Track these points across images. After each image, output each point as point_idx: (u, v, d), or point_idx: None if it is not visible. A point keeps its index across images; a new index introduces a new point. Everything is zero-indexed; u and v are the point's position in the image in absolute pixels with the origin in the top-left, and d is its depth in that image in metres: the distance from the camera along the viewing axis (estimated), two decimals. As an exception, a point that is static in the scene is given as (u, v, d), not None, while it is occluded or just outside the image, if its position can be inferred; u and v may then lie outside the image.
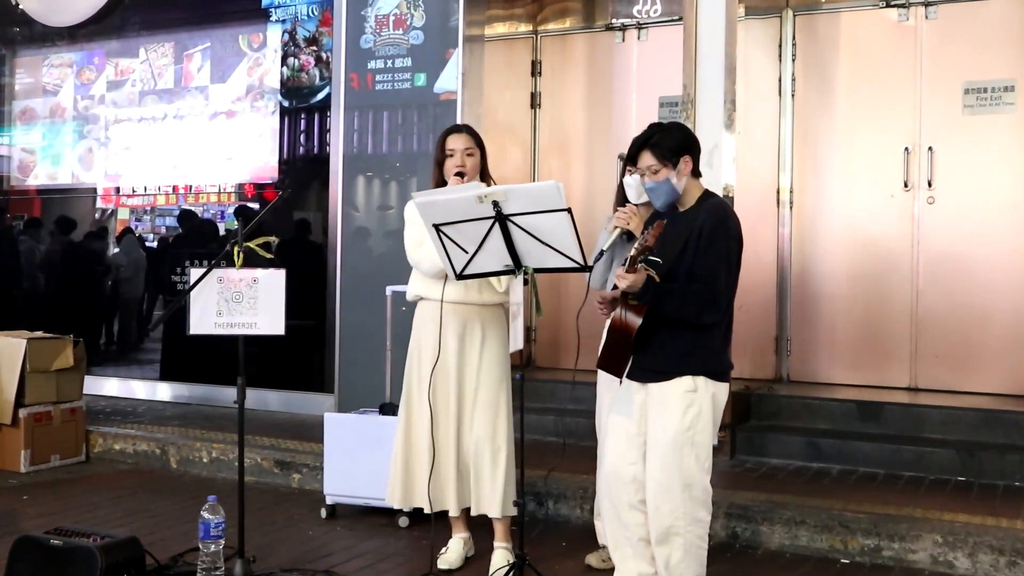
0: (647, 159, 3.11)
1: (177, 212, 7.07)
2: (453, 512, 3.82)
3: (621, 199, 3.65)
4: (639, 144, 3.17)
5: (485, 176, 3.89)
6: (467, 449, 3.78)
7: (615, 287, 3.06)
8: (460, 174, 3.75)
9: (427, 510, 3.82)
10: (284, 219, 6.56)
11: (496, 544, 3.85)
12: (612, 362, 3.10)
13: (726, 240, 3.04)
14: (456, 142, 3.82)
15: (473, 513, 3.85)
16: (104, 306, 7.44)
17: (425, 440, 3.78)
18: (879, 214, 5.82)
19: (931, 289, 5.70)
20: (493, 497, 3.76)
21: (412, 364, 3.89)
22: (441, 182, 3.81)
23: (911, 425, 5.08)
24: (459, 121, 5.55)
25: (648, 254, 2.96)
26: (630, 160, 3.26)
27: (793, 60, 6.01)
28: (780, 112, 6.01)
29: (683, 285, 3.01)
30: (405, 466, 3.87)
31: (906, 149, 5.75)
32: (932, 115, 5.71)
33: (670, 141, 3.10)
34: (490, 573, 3.71)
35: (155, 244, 7.25)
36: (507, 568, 3.42)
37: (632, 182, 3.51)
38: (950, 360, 5.64)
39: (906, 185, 5.76)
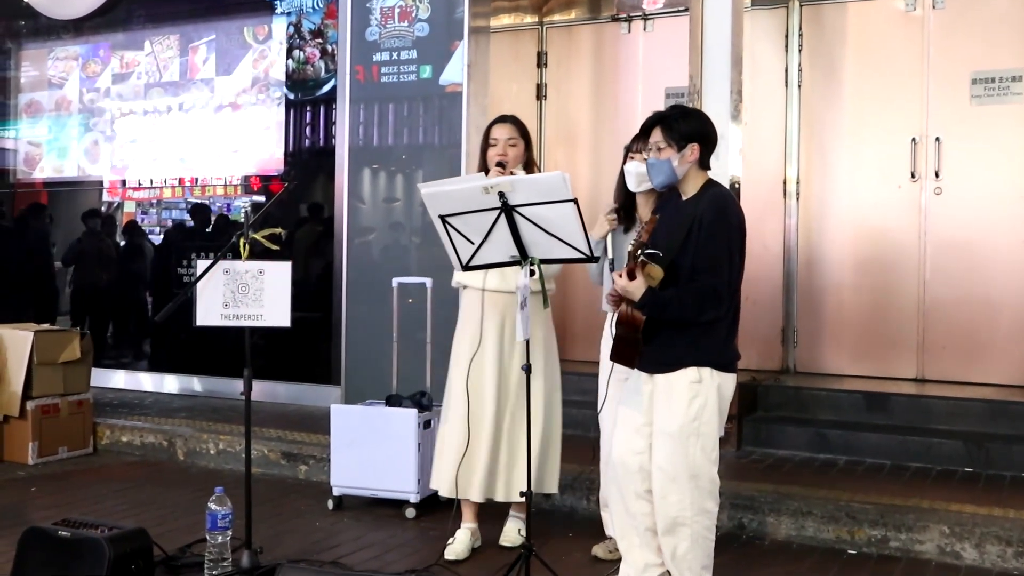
0: (657, 135, 3.13)
1: (183, 204, 7.06)
2: (476, 498, 3.83)
3: (621, 187, 3.67)
4: (656, 119, 3.17)
5: (529, 167, 3.89)
6: (505, 438, 3.79)
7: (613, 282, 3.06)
8: (501, 164, 3.75)
9: (444, 493, 3.85)
10: (290, 211, 6.55)
11: (512, 514, 3.97)
12: (623, 355, 3.12)
13: (726, 231, 3.03)
14: (500, 132, 3.83)
15: (504, 499, 3.86)
16: (110, 298, 7.43)
17: (459, 427, 3.80)
18: (886, 205, 5.78)
19: (938, 280, 5.66)
20: (548, 476, 3.89)
21: (453, 353, 3.92)
22: (484, 170, 3.82)
23: (918, 416, 5.06)
24: (464, 113, 5.56)
25: (644, 249, 2.96)
26: (644, 131, 3.26)
27: (800, 51, 5.97)
28: (787, 103, 5.97)
29: (680, 289, 3.01)
30: (440, 452, 3.92)
31: (913, 140, 5.71)
32: (939, 105, 5.67)
33: (684, 126, 3.09)
34: (500, 540, 3.91)
35: (160, 237, 7.24)
36: (515, 560, 3.41)
37: (632, 169, 3.53)
38: (957, 351, 5.61)
39: (913, 176, 5.73)
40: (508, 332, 3.79)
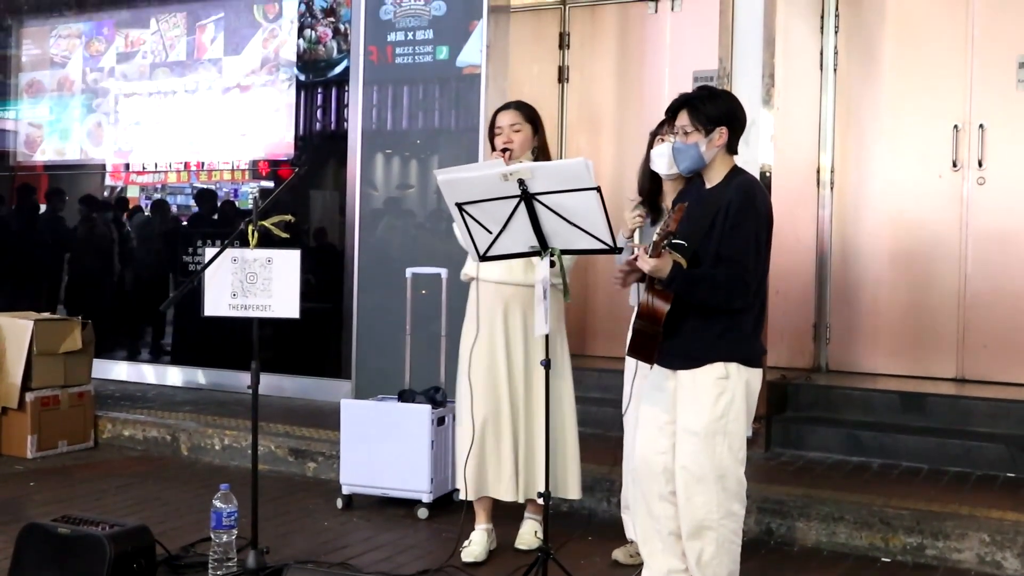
0: (683, 118, 3.07)
1: (189, 190, 7.02)
2: (508, 498, 3.76)
3: (646, 173, 3.60)
4: (681, 101, 3.10)
5: (542, 152, 3.82)
6: (522, 435, 3.75)
7: (635, 259, 2.99)
8: (506, 150, 3.70)
9: (464, 496, 3.79)
10: (300, 198, 6.49)
11: (528, 516, 3.90)
12: (642, 349, 3.04)
13: (754, 220, 2.99)
14: (503, 118, 3.82)
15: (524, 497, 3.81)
16: (114, 287, 7.39)
17: (466, 424, 3.76)
18: (926, 195, 5.66)
19: (980, 274, 5.54)
20: (568, 480, 3.81)
21: (462, 348, 3.87)
22: None
23: (957, 418, 4.94)
24: (483, 96, 5.47)
25: (671, 238, 2.90)
26: (670, 114, 3.17)
27: (836, 32, 5.83)
28: (821, 87, 5.83)
29: (711, 270, 2.96)
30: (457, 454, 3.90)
31: (955, 126, 5.58)
32: (984, 90, 5.52)
33: (712, 108, 3.05)
34: (516, 543, 3.86)
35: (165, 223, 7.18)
36: (532, 563, 3.32)
37: (664, 151, 3.44)
38: (999, 349, 5.48)
39: (955, 164, 5.59)
40: (512, 325, 3.74)
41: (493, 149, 3.80)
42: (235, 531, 3.45)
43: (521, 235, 3.11)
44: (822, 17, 5.83)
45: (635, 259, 2.98)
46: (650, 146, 3.58)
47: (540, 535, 3.70)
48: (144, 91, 7.09)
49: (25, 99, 7.60)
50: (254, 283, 3.53)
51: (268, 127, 6.60)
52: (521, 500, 3.80)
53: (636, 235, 3.49)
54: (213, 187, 6.88)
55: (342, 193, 6.26)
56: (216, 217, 6.90)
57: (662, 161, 3.45)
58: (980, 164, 5.52)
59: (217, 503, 3.41)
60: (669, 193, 3.54)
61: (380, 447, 4.32)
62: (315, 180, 6.51)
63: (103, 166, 7.30)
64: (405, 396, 4.46)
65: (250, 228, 3.52)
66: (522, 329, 3.75)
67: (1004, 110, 5.46)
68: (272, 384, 6.09)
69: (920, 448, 4.72)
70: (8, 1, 7.67)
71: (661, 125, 3.54)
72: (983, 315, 5.52)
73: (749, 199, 2.98)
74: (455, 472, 3.91)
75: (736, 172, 3.08)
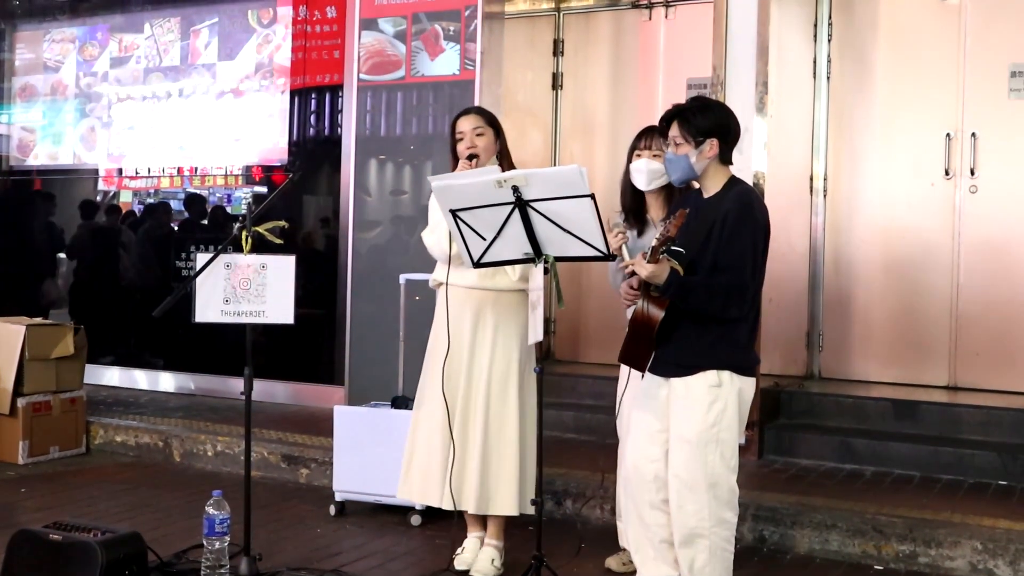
0: (674, 129, 3.07)
1: (182, 195, 7.02)
2: (443, 506, 3.71)
3: (627, 187, 3.58)
4: (674, 112, 3.10)
5: (504, 158, 3.78)
6: (473, 444, 3.69)
7: (633, 274, 2.98)
8: (472, 156, 3.65)
9: (439, 504, 3.76)
10: (294, 203, 6.47)
11: (487, 541, 3.75)
12: (634, 356, 3.05)
13: (752, 229, 2.99)
14: (464, 124, 3.74)
15: (473, 512, 3.72)
16: (106, 292, 7.35)
17: (439, 433, 3.69)
18: (918, 203, 5.65)
19: (972, 283, 5.53)
20: (498, 494, 3.66)
21: (428, 352, 3.83)
22: (455, 168, 3.74)
23: (949, 426, 4.95)
24: (477, 102, 5.45)
25: (670, 244, 2.89)
26: (664, 124, 3.16)
27: (829, 40, 5.84)
28: (815, 95, 5.84)
29: (708, 278, 2.96)
30: (409, 458, 3.83)
31: (948, 135, 5.58)
32: (976, 99, 5.52)
33: (702, 120, 3.05)
34: (471, 573, 3.64)
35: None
36: (525, 570, 3.31)
37: (641, 167, 3.46)
38: (992, 358, 5.47)
39: (947, 173, 5.59)
40: (482, 330, 3.68)
41: (455, 157, 3.73)
42: (227, 538, 3.44)
43: (515, 242, 3.11)
44: (815, 25, 5.83)
45: (634, 274, 2.97)
46: (629, 160, 3.55)
47: (496, 563, 3.63)
48: (138, 96, 7.08)
49: (18, 103, 7.57)
50: (247, 289, 3.51)
51: (262, 132, 6.58)
52: (473, 511, 3.69)
53: (625, 252, 3.46)
54: (204, 192, 6.86)
55: (336, 199, 6.25)
56: (207, 222, 6.89)
57: (641, 176, 3.45)
58: (972, 172, 5.52)
59: (210, 509, 3.39)
60: (652, 205, 3.53)
61: (373, 454, 4.29)
62: (309, 186, 6.49)
63: (96, 171, 7.28)
64: (398, 403, 4.43)
65: (244, 234, 3.50)
66: (491, 335, 3.67)
67: (996, 119, 5.46)
68: (265, 390, 6.03)
69: (912, 456, 4.73)
70: (2, 5, 7.65)
71: (639, 139, 3.53)
72: (975, 323, 5.51)
73: (747, 209, 2.98)
74: (418, 480, 3.78)
75: (734, 182, 3.08)
